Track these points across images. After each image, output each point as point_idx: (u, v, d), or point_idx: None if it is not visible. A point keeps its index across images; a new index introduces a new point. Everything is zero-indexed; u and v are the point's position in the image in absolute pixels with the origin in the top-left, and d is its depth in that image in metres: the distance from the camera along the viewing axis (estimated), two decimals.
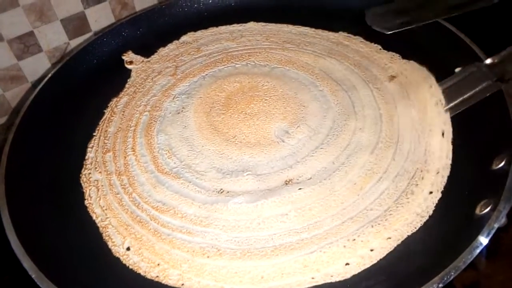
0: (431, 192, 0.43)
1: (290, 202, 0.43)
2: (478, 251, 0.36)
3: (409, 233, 0.40)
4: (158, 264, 0.40)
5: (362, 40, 0.61)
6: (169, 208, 0.44)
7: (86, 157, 0.51)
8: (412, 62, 0.54)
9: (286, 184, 0.45)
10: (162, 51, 0.64)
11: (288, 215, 0.42)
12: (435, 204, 0.42)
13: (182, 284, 0.39)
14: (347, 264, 0.39)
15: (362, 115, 0.51)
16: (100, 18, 0.67)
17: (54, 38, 0.65)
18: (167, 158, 0.49)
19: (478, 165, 0.43)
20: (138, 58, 0.62)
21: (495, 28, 0.64)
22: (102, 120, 0.55)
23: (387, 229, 0.40)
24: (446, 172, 0.44)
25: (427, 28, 0.58)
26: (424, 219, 0.41)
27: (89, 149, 0.52)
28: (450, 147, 0.45)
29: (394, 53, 0.57)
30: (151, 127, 0.53)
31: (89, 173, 0.49)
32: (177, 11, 0.68)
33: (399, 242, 0.40)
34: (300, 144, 0.48)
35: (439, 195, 0.42)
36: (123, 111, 0.55)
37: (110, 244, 0.42)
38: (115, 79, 0.60)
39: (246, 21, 0.66)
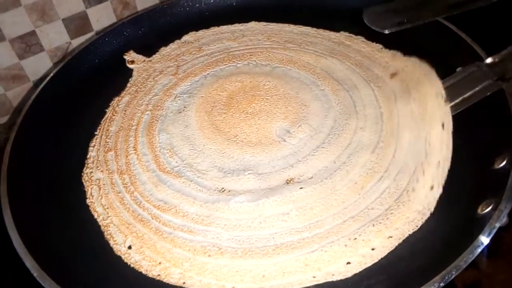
0: (432, 187, 0.42)
1: (291, 201, 0.43)
2: (479, 250, 0.35)
3: (410, 232, 0.40)
4: (160, 263, 0.40)
5: (364, 40, 0.61)
6: (170, 207, 0.44)
7: (88, 156, 0.51)
8: (413, 58, 0.54)
9: (287, 183, 0.45)
10: (164, 50, 0.64)
11: (289, 214, 0.42)
12: (436, 200, 0.42)
13: (184, 283, 0.39)
14: (348, 263, 0.39)
15: (363, 114, 0.51)
16: (101, 17, 0.67)
17: (56, 38, 0.65)
18: (168, 157, 0.49)
19: (479, 165, 0.43)
20: (140, 57, 0.62)
21: (495, 27, 0.64)
22: (103, 119, 0.55)
23: (388, 228, 0.40)
24: (447, 164, 0.43)
25: (428, 27, 0.58)
26: (426, 217, 0.41)
27: (90, 148, 0.52)
28: (451, 138, 0.44)
29: (395, 51, 0.57)
30: (153, 126, 0.53)
31: (91, 172, 0.49)
32: (178, 10, 0.68)
33: (400, 241, 0.40)
34: (301, 144, 0.48)
35: (440, 189, 0.42)
36: (125, 110, 0.56)
37: (111, 242, 0.42)
38: (116, 78, 0.60)
39: (247, 21, 0.66)
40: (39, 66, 0.65)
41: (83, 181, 0.48)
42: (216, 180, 0.46)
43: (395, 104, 0.51)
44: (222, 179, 0.46)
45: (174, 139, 0.51)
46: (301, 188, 0.44)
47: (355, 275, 0.38)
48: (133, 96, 0.57)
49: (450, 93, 0.46)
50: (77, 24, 0.66)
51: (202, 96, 0.55)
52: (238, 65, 0.60)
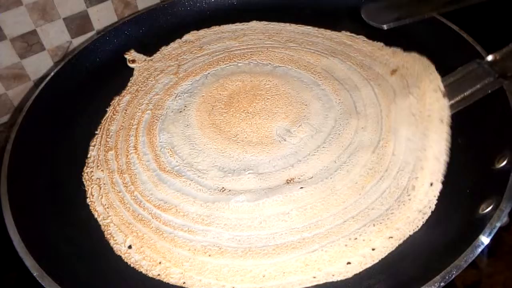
0: (431, 184, 0.42)
1: (292, 201, 0.43)
2: (479, 250, 0.35)
3: (411, 233, 0.40)
4: (160, 263, 0.40)
5: (365, 39, 0.61)
6: (170, 207, 0.44)
7: (88, 156, 0.51)
8: (413, 53, 0.53)
9: (288, 183, 0.45)
10: (165, 49, 0.64)
11: (289, 214, 0.42)
12: (436, 197, 0.42)
13: (184, 283, 0.39)
14: (348, 263, 0.38)
15: (364, 114, 0.50)
16: (102, 17, 0.68)
17: (57, 37, 0.65)
18: (169, 157, 0.49)
19: (480, 164, 0.43)
20: (141, 56, 0.62)
21: (495, 24, 0.64)
22: (104, 118, 0.55)
23: (389, 228, 0.40)
24: (445, 158, 0.43)
25: (428, 26, 0.58)
26: (426, 216, 0.41)
27: (91, 148, 0.52)
28: (449, 132, 0.44)
29: (396, 48, 0.57)
30: (153, 125, 0.53)
31: (91, 171, 0.49)
32: (179, 10, 0.68)
33: (401, 241, 0.40)
34: (301, 143, 0.48)
35: (440, 185, 0.42)
36: (126, 110, 0.56)
37: (112, 242, 0.42)
38: (117, 77, 0.60)
39: (248, 20, 0.66)
40: (40, 65, 0.65)
41: (83, 180, 0.48)
42: (216, 180, 0.46)
43: (394, 100, 0.50)
44: (222, 179, 0.46)
45: (174, 139, 0.51)
46: (301, 187, 0.44)
47: (355, 275, 0.38)
48: (133, 95, 0.57)
49: (451, 91, 0.46)
50: (78, 23, 0.66)
51: (202, 96, 0.55)
52: (239, 64, 0.60)
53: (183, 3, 0.68)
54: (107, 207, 0.45)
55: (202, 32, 0.66)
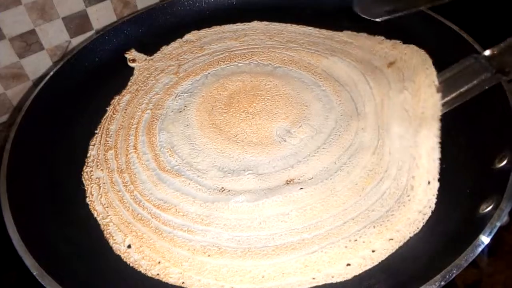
0: (429, 182, 0.42)
1: (291, 201, 0.43)
2: (480, 249, 0.35)
3: (411, 235, 0.40)
4: (159, 262, 0.40)
5: (367, 36, 0.60)
6: (170, 206, 0.44)
7: (88, 155, 0.51)
8: (412, 46, 0.53)
9: (288, 183, 0.45)
10: (165, 49, 0.64)
11: (289, 214, 0.42)
12: (435, 196, 0.42)
13: (183, 283, 0.39)
14: (348, 264, 0.38)
15: (364, 114, 0.50)
16: (101, 16, 0.67)
17: (56, 36, 0.65)
18: (168, 156, 0.49)
19: (480, 164, 0.43)
20: (141, 56, 0.62)
21: (491, 19, 0.63)
22: (104, 117, 0.55)
23: (389, 230, 0.40)
24: (437, 155, 0.42)
25: (427, 23, 0.58)
26: (427, 217, 0.41)
27: (91, 147, 0.52)
28: (439, 126, 0.43)
29: (396, 40, 0.57)
30: (153, 125, 0.53)
31: (91, 171, 0.49)
32: (179, 9, 0.68)
33: (401, 243, 0.39)
34: (302, 144, 0.48)
35: (437, 184, 0.42)
36: (125, 109, 0.55)
37: (111, 241, 0.42)
38: (117, 77, 0.60)
39: (250, 20, 0.66)
40: (39, 65, 0.65)
41: (83, 179, 0.48)
42: (216, 180, 0.46)
43: (388, 94, 0.50)
44: (222, 179, 0.46)
45: (174, 138, 0.51)
46: (301, 188, 0.44)
47: (355, 277, 0.38)
48: (134, 94, 0.57)
49: (446, 87, 0.45)
50: (77, 23, 0.66)
51: (203, 96, 0.55)
52: (240, 64, 0.59)
53: (182, 2, 0.68)
54: (107, 207, 0.45)
55: (203, 31, 0.66)
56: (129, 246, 0.42)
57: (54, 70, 0.57)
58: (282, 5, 0.68)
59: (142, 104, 0.56)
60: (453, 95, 0.45)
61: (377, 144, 0.47)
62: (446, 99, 0.45)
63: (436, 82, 0.44)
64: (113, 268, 0.41)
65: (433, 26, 0.58)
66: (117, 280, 0.40)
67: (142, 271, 0.40)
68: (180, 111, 0.54)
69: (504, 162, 0.41)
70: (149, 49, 0.63)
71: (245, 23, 0.66)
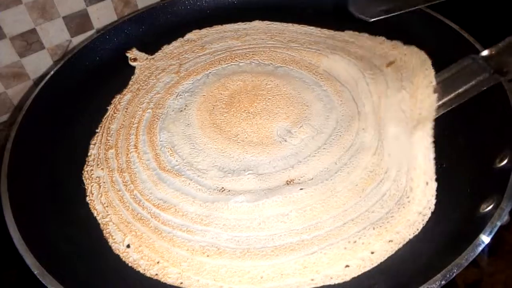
0: (427, 183, 0.42)
1: (291, 202, 0.43)
2: (480, 249, 0.35)
3: (411, 236, 0.40)
4: (158, 262, 0.40)
5: (368, 36, 0.60)
6: (170, 206, 0.44)
7: (89, 154, 0.51)
8: (412, 46, 0.53)
9: (288, 184, 0.44)
10: (166, 48, 0.64)
11: (289, 215, 0.42)
12: (434, 196, 0.41)
13: (181, 283, 0.39)
14: (347, 266, 0.38)
15: (365, 114, 0.50)
16: (102, 15, 0.67)
17: (56, 36, 0.65)
18: (169, 156, 0.49)
19: (481, 163, 0.43)
20: (142, 55, 0.62)
21: (488, 18, 0.63)
22: (105, 117, 0.55)
23: (388, 232, 0.40)
24: (432, 155, 0.42)
25: (428, 23, 0.58)
26: (427, 218, 0.41)
27: (91, 146, 0.52)
28: (433, 126, 0.43)
29: (397, 41, 0.57)
30: (154, 124, 0.53)
31: (91, 170, 0.49)
32: (179, 8, 0.68)
33: (401, 245, 0.39)
34: (302, 144, 0.48)
35: (435, 184, 0.42)
36: (126, 108, 0.55)
37: (110, 241, 0.42)
38: (117, 76, 0.60)
39: (251, 20, 0.66)
40: (39, 64, 0.65)
41: (83, 178, 0.48)
42: (216, 180, 0.46)
43: (385, 92, 0.50)
44: (222, 179, 0.46)
45: (175, 138, 0.51)
46: (301, 189, 0.44)
47: (353, 278, 0.38)
48: (135, 94, 0.57)
49: (444, 88, 0.45)
50: (77, 22, 0.65)
51: (203, 95, 0.55)
52: (241, 64, 0.59)
53: (183, 1, 0.68)
54: (107, 206, 0.45)
55: (204, 31, 0.65)
56: (128, 246, 0.42)
57: (55, 69, 0.57)
58: (284, 4, 0.67)
59: (143, 103, 0.56)
60: (451, 96, 0.45)
61: (377, 145, 0.47)
62: (444, 100, 0.45)
63: (434, 82, 0.44)
64: (112, 267, 0.41)
65: (434, 25, 0.57)
66: (116, 280, 0.40)
67: (141, 271, 0.40)
68: (181, 111, 0.54)
69: (505, 162, 0.41)
70: (150, 48, 0.63)
71: (246, 23, 0.66)
